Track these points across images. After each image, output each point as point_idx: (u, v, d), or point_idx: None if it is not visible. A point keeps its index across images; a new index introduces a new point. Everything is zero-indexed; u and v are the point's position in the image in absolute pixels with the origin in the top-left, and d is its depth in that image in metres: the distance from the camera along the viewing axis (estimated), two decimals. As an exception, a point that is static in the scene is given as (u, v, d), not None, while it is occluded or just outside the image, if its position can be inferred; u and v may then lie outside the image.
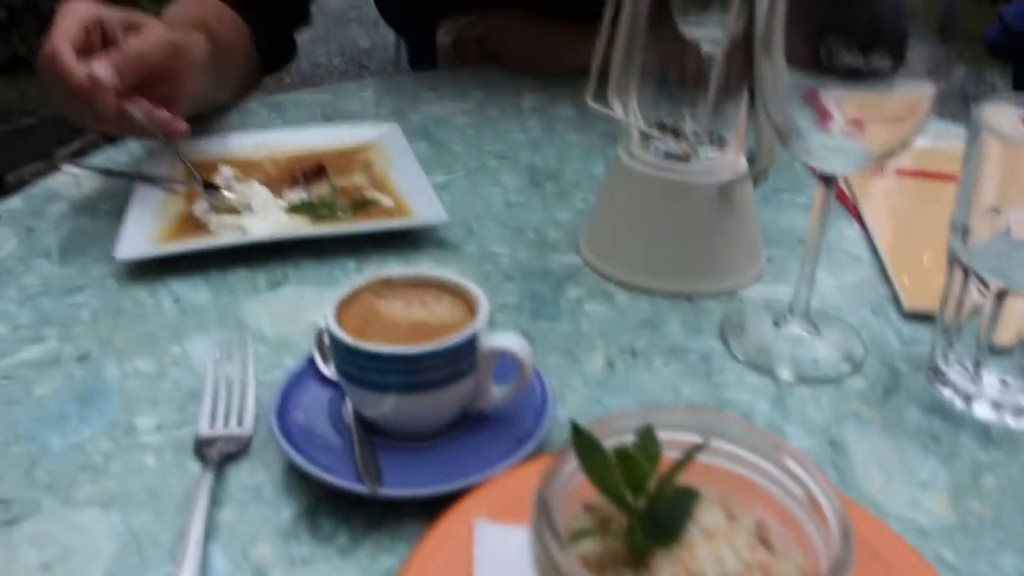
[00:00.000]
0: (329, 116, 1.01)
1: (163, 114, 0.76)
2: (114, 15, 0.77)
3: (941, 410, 0.56)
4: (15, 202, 0.82)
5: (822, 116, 0.54)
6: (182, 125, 0.77)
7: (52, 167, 3.42)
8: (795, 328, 0.63)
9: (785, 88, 0.54)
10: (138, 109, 0.74)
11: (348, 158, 0.85)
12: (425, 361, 0.43)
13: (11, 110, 3.30)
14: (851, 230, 0.78)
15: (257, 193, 0.75)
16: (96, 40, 0.75)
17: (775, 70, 0.54)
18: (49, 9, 3.70)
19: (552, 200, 0.81)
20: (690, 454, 0.34)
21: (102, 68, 0.72)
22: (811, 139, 0.55)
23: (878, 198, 0.84)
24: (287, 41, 1.17)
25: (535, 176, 0.86)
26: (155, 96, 0.77)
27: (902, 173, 0.88)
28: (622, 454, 0.33)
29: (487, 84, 1.09)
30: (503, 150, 0.91)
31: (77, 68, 0.71)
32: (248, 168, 0.83)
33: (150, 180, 0.80)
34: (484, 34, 1.14)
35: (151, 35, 0.77)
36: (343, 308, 0.47)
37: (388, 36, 4.42)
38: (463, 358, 0.45)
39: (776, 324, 0.63)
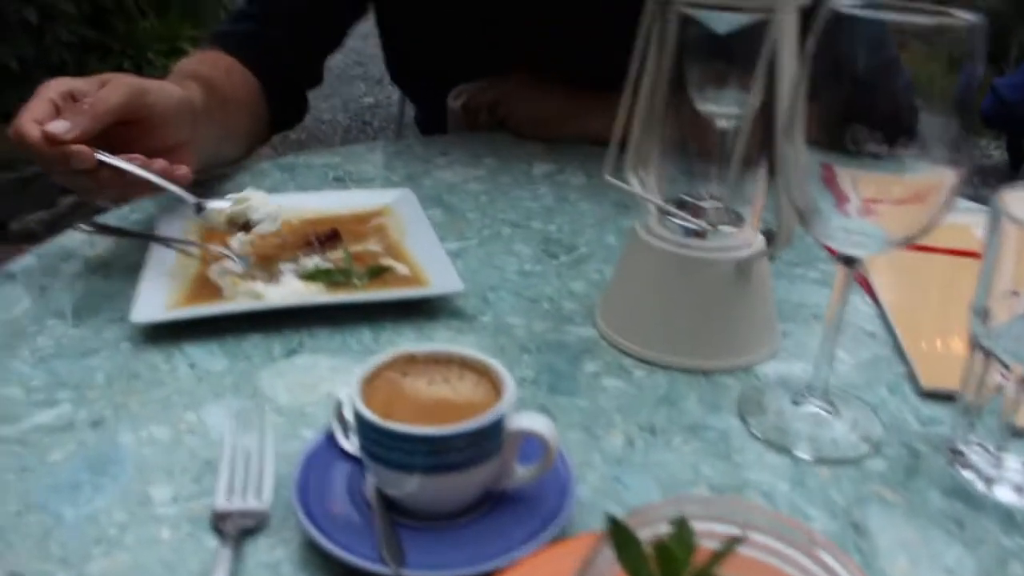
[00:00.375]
0: (340, 178, 1.02)
1: (159, 162, 0.76)
2: (85, 81, 0.78)
3: (963, 493, 0.55)
4: (29, 260, 0.82)
5: (840, 199, 0.55)
6: (181, 170, 0.77)
7: (56, 217, 3.38)
8: (813, 406, 0.62)
9: (805, 170, 0.54)
10: (130, 160, 0.74)
11: (362, 223, 0.85)
12: (451, 442, 0.43)
13: (17, 159, 3.31)
14: (864, 305, 0.79)
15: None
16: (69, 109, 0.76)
17: (796, 152, 0.54)
18: (60, 61, 3.75)
19: (566, 270, 0.81)
20: (729, 546, 0.33)
21: (56, 124, 0.72)
22: (831, 221, 0.55)
23: (888, 272, 0.84)
24: (299, 100, 1.19)
25: (549, 246, 0.86)
26: (154, 148, 0.78)
27: (911, 247, 0.89)
28: (659, 546, 0.33)
29: (498, 150, 1.10)
30: (516, 218, 0.92)
31: (34, 131, 0.72)
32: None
33: (164, 241, 0.80)
34: (495, 100, 1.15)
35: (109, 82, 0.77)
36: (367, 385, 0.47)
37: (392, 93, 4.47)
38: (489, 439, 0.44)
39: (794, 402, 0.63)
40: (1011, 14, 5.57)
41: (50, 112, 0.74)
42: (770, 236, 0.74)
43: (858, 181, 0.54)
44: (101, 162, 0.73)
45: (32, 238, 3.27)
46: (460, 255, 0.83)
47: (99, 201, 0.82)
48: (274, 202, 0.87)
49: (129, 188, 0.78)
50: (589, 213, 0.94)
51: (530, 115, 1.13)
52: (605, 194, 0.98)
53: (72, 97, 0.76)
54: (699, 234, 0.67)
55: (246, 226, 0.79)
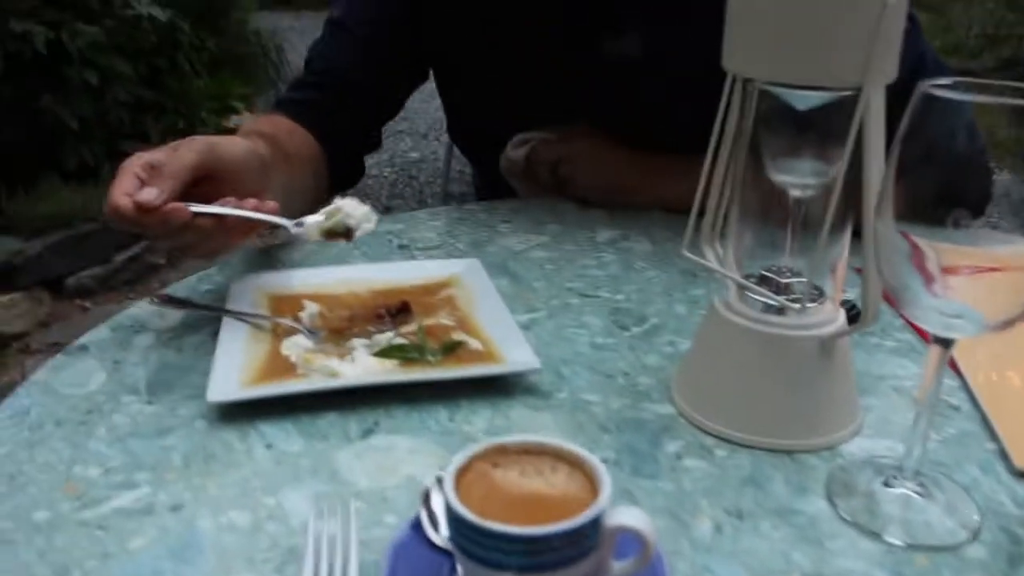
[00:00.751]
0: (405, 246, 1.02)
1: (250, 201, 0.80)
2: (159, 151, 0.82)
3: (1072, 587, 0.53)
4: (102, 332, 0.83)
5: (929, 279, 0.53)
6: (269, 204, 0.80)
7: (111, 272, 3.44)
8: (904, 488, 0.60)
9: (897, 249, 0.53)
10: (223, 204, 0.78)
11: (431, 294, 0.85)
12: (550, 542, 0.42)
13: (75, 216, 3.39)
14: (945, 376, 0.76)
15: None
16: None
17: (887, 232, 0.53)
18: (118, 120, 3.85)
19: (638, 343, 0.80)
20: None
21: (145, 192, 0.76)
22: (923, 301, 0.54)
23: (971, 341, 0.82)
24: (357, 163, 1.20)
25: (618, 316, 0.85)
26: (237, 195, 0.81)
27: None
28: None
29: (560, 216, 1.10)
30: (583, 287, 0.91)
31: (127, 204, 0.75)
32: (331, 303, 0.83)
33: (234, 314, 0.80)
34: (558, 160, 1.13)
35: (182, 145, 0.81)
36: (459, 478, 0.46)
37: (438, 148, 4.52)
38: (587, 538, 0.43)
39: (885, 484, 0.61)
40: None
41: (136, 184, 0.77)
42: (851, 310, 0.72)
43: (944, 255, 0.52)
44: (197, 213, 0.77)
45: (87, 294, 3.33)
46: (530, 327, 0.82)
47: (204, 255, 0.85)
48: (342, 274, 0.88)
49: (230, 233, 0.81)
50: (656, 281, 0.93)
51: (597, 183, 1.12)
52: (671, 261, 0.97)
53: (151, 167, 0.79)
54: (779, 310, 0.66)
55: (348, 234, 0.80)
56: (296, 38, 7.53)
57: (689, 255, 0.69)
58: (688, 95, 1.00)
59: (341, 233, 0.80)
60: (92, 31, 3.48)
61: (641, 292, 0.90)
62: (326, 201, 1.12)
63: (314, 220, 0.81)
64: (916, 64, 0.74)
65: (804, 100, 0.61)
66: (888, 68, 0.57)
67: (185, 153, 0.80)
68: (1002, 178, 0.52)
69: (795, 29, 0.56)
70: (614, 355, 0.78)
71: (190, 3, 4.57)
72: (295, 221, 0.81)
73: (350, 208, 0.81)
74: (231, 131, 4.49)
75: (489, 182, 1.31)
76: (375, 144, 1.24)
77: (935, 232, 0.52)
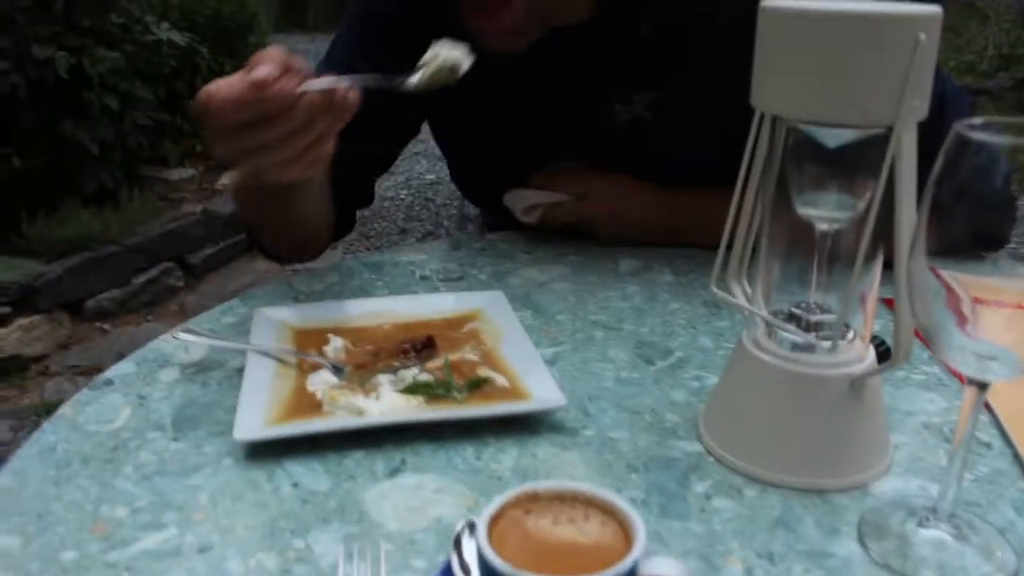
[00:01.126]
0: (427, 277, 1.02)
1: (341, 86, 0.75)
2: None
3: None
4: (127, 367, 0.83)
5: (963, 319, 0.53)
6: (353, 95, 0.77)
7: (129, 295, 3.45)
8: (938, 530, 0.59)
9: (929, 290, 0.53)
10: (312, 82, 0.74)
11: (455, 328, 0.85)
12: (585, 593, 0.41)
13: (94, 239, 3.42)
14: (976, 413, 0.75)
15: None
16: None
17: (921, 273, 0.53)
18: (137, 143, 3.88)
19: (664, 377, 0.80)
20: None
21: (259, 70, 0.72)
22: (956, 341, 0.53)
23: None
24: (350, 216, 1.17)
25: (643, 350, 0.85)
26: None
27: None
28: None
29: (582, 247, 1.09)
30: (607, 320, 0.91)
31: (235, 83, 0.72)
32: (356, 336, 0.83)
33: (259, 350, 0.80)
34: (573, 221, 1.10)
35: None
36: (492, 526, 0.46)
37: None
38: (622, 588, 0.43)
39: (919, 525, 0.60)
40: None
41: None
42: (880, 345, 0.72)
43: (975, 289, 0.52)
44: (303, 93, 0.73)
45: (106, 316, 3.35)
46: (555, 361, 0.82)
47: (289, 164, 0.79)
48: (366, 307, 0.88)
49: (336, 114, 0.77)
50: (680, 313, 0.92)
51: (618, 235, 1.09)
52: (695, 292, 0.97)
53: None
54: (808, 347, 0.65)
55: (454, 71, 0.78)
56: (311, 60, 7.62)
57: (717, 292, 0.68)
58: (700, 145, 0.99)
59: (446, 75, 0.78)
60: (113, 56, 3.52)
61: (665, 324, 0.90)
62: (325, 240, 1.12)
63: (418, 75, 0.78)
64: (938, 93, 0.73)
65: (834, 138, 0.61)
66: (920, 106, 0.57)
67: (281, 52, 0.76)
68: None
69: (826, 68, 0.56)
70: (640, 390, 0.78)
71: (208, 27, 4.62)
72: (399, 79, 0.78)
73: (447, 49, 0.78)
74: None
75: (497, 221, 1.28)
76: (368, 199, 1.20)
77: (966, 265, 0.52)
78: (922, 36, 0.54)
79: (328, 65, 1.06)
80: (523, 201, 1.09)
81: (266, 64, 0.73)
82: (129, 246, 3.45)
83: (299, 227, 1.06)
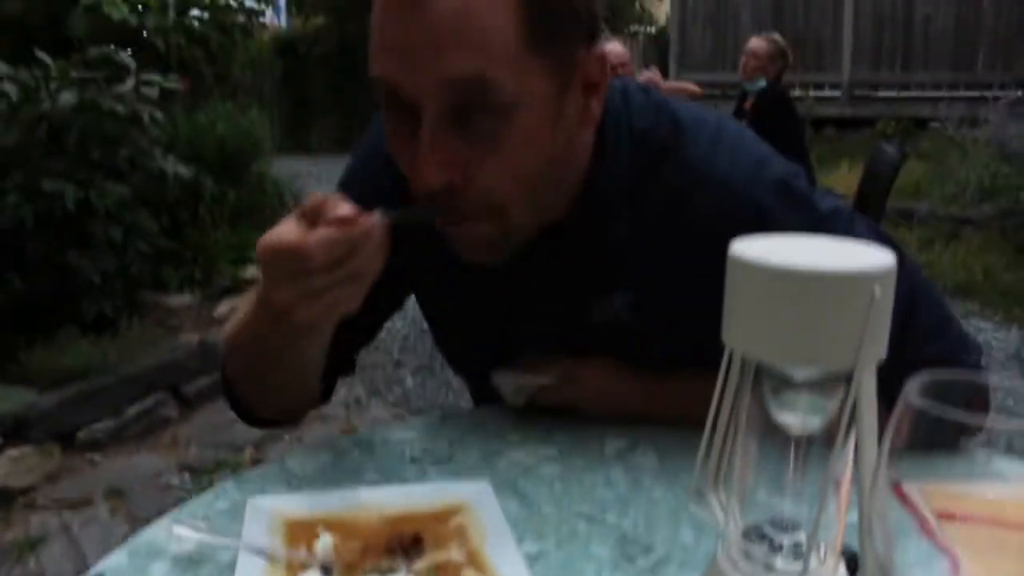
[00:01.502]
0: (417, 459, 1.04)
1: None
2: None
3: None
4: (120, 558, 0.85)
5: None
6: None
7: (122, 425, 3.45)
8: None
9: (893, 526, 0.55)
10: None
11: (442, 522, 0.87)
12: None
13: (90, 368, 3.44)
14: None
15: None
16: None
17: (885, 512, 0.55)
18: (139, 271, 3.94)
19: (645, 578, 0.82)
20: None
21: (341, 208, 0.82)
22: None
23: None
24: (331, 384, 1.18)
25: (625, 547, 0.86)
26: None
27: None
28: None
29: (569, 426, 1.12)
30: (591, 510, 0.93)
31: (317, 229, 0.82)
32: (345, 531, 0.85)
33: (249, 547, 0.82)
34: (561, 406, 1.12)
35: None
36: None
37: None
38: None
39: None
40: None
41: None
42: (851, 560, 0.74)
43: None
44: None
45: (97, 447, 3.34)
46: (539, 559, 0.84)
47: (346, 293, 0.86)
48: (356, 498, 0.90)
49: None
50: (663, 503, 0.95)
51: (606, 413, 1.11)
52: (677, 478, 0.99)
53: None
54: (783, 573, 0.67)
55: None
56: (314, 183, 7.79)
57: (695, 507, 0.71)
58: (679, 345, 1.00)
59: None
60: (120, 189, 3.62)
61: (648, 516, 0.92)
62: (308, 404, 1.15)
63: None
64: (904, 292, 0.74)
65: (801, 373, 0.65)
66: (878, 350, 0.61)
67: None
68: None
69: (789, 317, 0.60)
70: (621, 594, 0.79)
71: (214, 157, 4.76)
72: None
73: None
74: (248, 282, 4.58)
75: (480, 392, 1.29)
76: (350, 368, 1.21)
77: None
78: (877, 290, 0.59)
79: None
80: (510, 382, 1.12)
81: (339, 202, 0.82)
82: (124, 376, 3.47)
83: (292, 382, 1.06)
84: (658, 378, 1.10)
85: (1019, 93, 6.29)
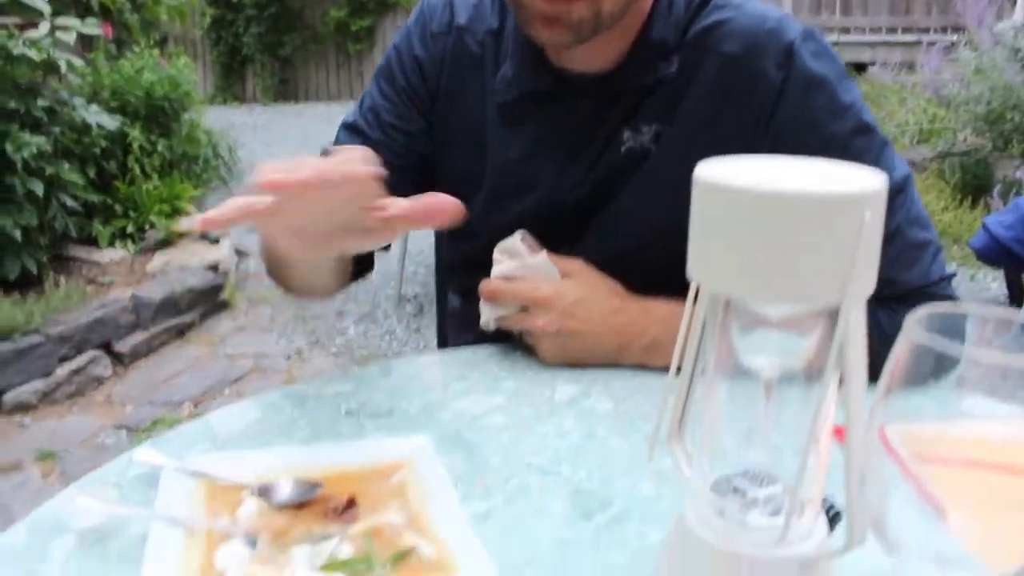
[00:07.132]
0: (352, 412, 0.96)
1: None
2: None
3: None
4: (17, 533, 0.76)
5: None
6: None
7: (53, 387, 3.35)
8: None
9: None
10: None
11: (381, 480, 0.79)
12: None
13: (15, 328, 3.29)
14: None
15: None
16: None
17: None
18: (65, 226, 3.77)
19: (604, 535, 0.75)
20: None
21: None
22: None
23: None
24: (368, 259, 1.21)
25: (582, 501, 0.80)
26: None
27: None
28: None
29: (518, 372, 1.05)
30: (543, 463, 0.86)
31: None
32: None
33: (164, 517, 0.73)
34: (521, 331, 1.09)
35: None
36: None
37: (392, 248, 4.49)
38: None
39: None
40: (991, 148, 5.73)
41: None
42: (830, 510, 0.68)
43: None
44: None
45: (27, 408, 3.21)
46: (488, 518, 0.77)
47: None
48: (287, 458, 0.82)
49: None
50: (620, 453, 0.88)
51: (562, 357, 1.06)
52: (634, 426, 0.93)
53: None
54: (756, 528, 0.61)
55: None
56: (249, 134, 7.54)
57: (655, 463, 0.64)
58: (685, 191, 0.97)
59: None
60: (38, 141, 3.42)
61: (604, 467, 0.85)
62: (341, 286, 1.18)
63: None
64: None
65: (777, 310, 0.58)
66: (867, 285, 0.54)
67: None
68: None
69: (768, 247, 0.53)
70: (578, 553, 0.73)
71: (141, 107, 4.55)
72: None
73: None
74: (181, 235, 4.41)
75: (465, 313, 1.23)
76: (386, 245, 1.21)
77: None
78: (868, 214, 0.52)
79: (360, 114, 1.19)
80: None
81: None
82: (53, 335, 3.32)
83: (309, 278, 1.16)
84: (625, 308, 1.07)
85: (954, 38, 6.32)
